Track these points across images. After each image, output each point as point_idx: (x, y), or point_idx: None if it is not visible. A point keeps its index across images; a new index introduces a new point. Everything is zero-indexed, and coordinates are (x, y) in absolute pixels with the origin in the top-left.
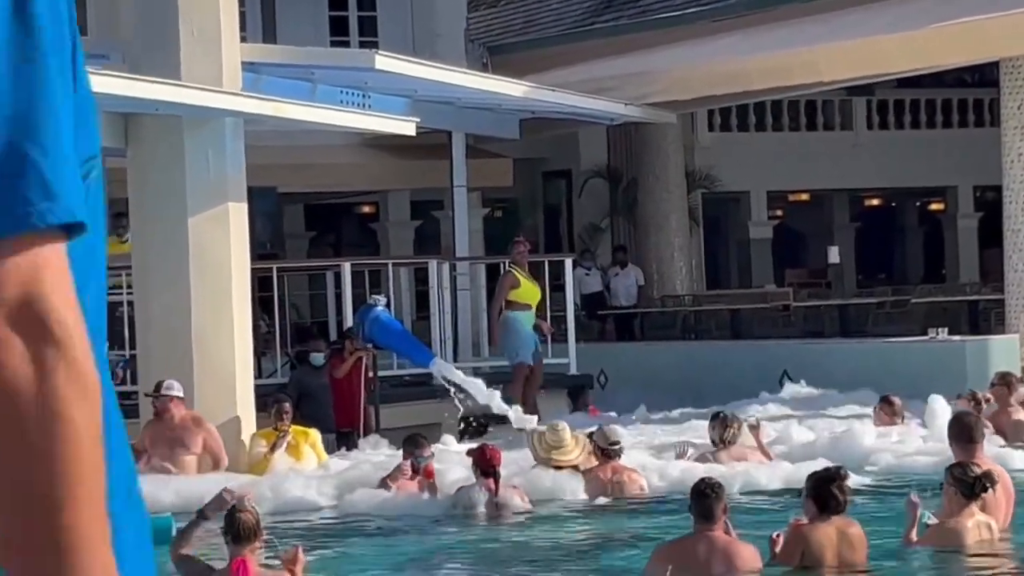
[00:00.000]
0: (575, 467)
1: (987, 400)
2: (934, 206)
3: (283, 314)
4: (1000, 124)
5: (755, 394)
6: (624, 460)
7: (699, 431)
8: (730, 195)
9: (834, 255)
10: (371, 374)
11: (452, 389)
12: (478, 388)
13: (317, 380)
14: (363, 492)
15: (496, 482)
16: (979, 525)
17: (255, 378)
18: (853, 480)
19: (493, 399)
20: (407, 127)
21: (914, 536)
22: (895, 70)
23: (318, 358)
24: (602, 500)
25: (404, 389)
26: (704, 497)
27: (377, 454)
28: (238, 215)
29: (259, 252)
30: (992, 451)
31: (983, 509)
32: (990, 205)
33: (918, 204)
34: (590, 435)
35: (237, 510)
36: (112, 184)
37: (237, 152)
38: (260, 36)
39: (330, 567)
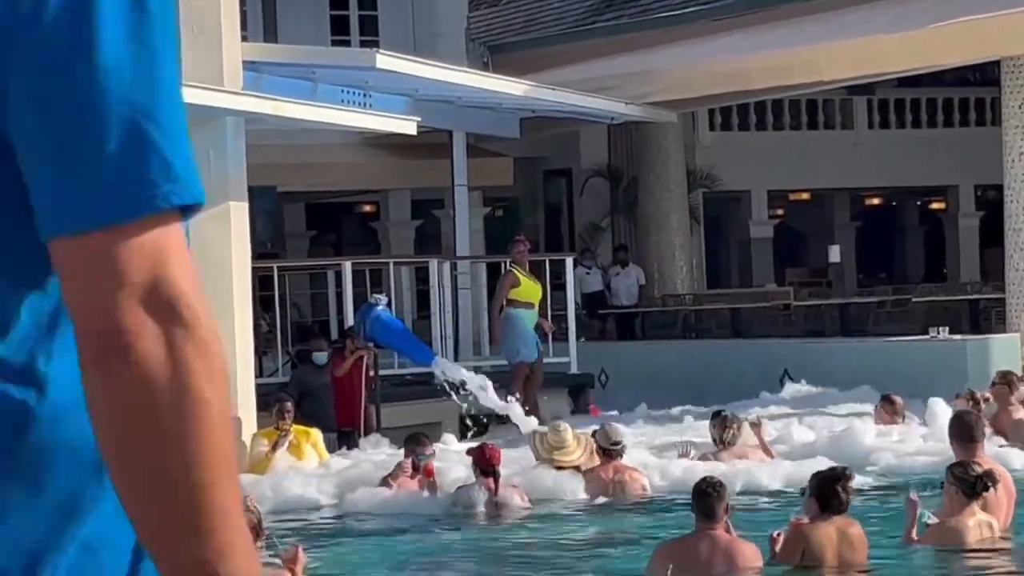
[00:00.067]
0: (577, 468)
1: (985, 399)
2: (935, 205)
3: (284, 313)
4: (1001, 123)
5: (756, 394)
6: (626, 459)
7: (699, 430)
8: (731, 194)
9: (835, 254)
10: (372, 373)
11: (453, 388)
12: (480, 386)
13: (318, 379)
14: (364, 491)
15: (496, 481)
16: (980, 524)
17: (256, 377)
18: (854, 481)
19: (495, 397)
20: (408, 126)
21: (915, 535)
22: (895, 69)
23: (321, 357)
24: (604, 499)
25: (405, 388)
26: (706, 496)
27: (378, 453)
28: (239, 214)
29: (260, 251)
30: (992, 450)
31: (984, 508)
32: (991, 204)
33: (919, 203)
34: (593, 434)
35: None
36: None
37: (238, 151)
38: (261, 35)
39: (330, 566)
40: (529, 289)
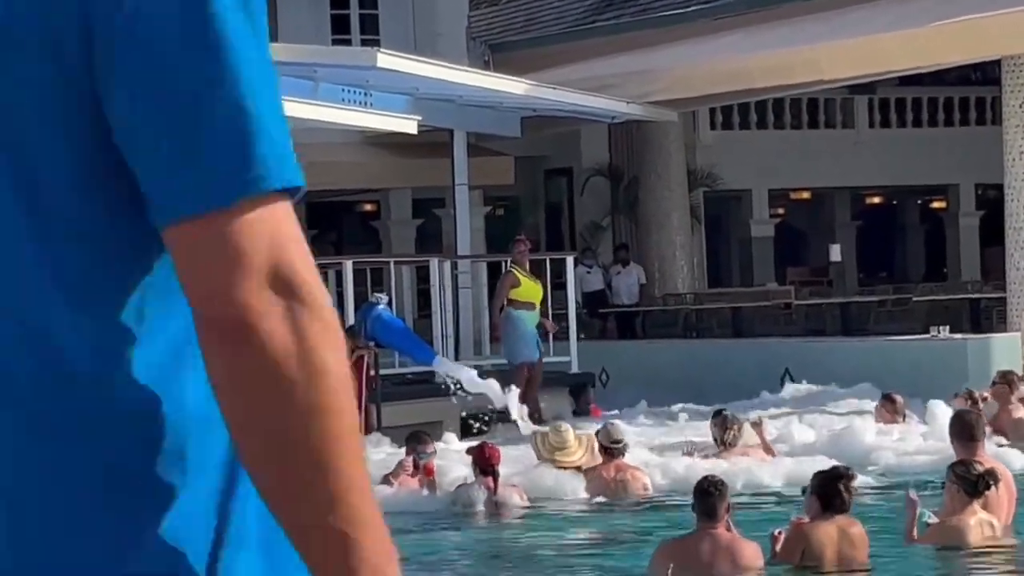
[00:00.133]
0: (578, 468)
1: (983, 399)
2: (936, 204)
3: None
4: (1002, 122)
5: (756, 393)
6: (627, 458)
7: (699, 430)
8: (731, 193)
9: (835, 253)
10: (373, 372)
11: (455, 387)
12: (481, 385)
13: None
14: None
15: (495, 480)
16: (981, 523)
17: None
18: (856, 480)
19: (497, 395)
20: (409, 125)
21: (915, 534)
22: (896, 68)
23: None
24: (605, 498)
25: (406, 387)
26: (707, 495)
27: (379, 452)
28: None
29: None
30: (991, 450)
31: (985, 507)
32: (992, 203)
33: (919, 202)
34: (597, 433)
35: None
36: None
37: None
38: None
39: None
40: (529, 289)
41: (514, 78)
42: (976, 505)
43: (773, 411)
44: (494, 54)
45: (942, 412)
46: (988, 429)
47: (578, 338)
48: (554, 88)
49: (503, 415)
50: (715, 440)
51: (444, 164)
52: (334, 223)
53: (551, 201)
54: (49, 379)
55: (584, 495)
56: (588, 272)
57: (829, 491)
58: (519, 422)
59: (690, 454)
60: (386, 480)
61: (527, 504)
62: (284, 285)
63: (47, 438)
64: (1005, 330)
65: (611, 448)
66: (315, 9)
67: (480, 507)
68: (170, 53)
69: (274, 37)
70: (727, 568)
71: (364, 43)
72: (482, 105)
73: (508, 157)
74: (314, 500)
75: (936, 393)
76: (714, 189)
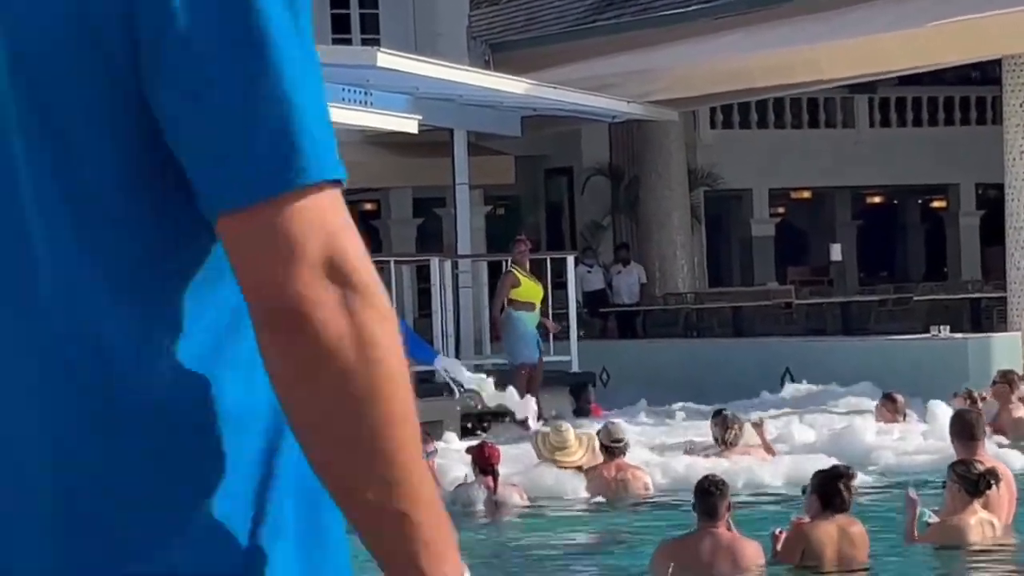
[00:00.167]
0: (579, 467)
1: (983, 398)
2: (936, 204)
3: None
4: (1002, 122)
5: (757, 393)
6: (628, 457)
7: (699, 429)
8: (732, 193)
9: (836, 253)
10: None
11: (456, 386)
12: (484, 384)
13: None
14: None
15: (495, 480)
16: (982, 522)
17: None
18: (856, 479)
19: (497, 394)
20: (409, 124)
21: (916, 534)
22: (896, 68)
23: None
24: (606, 498)
25: None
26: (708, 495)
27: None
28: None
29: None
30: (991, 451)
31: (986, 507)
32: (992, 203)
33: (920, 202)
34: (598, 432)
35: None
36: None
37: None
38: None
39: None
40: (529, 289)
41: (514, 77)
42: (977, 504)
43: (773, 412)
44: (494, 53)
45: (942, 411)
46: (988, 429)
47: (578, 337)
48: (554, 87)
49: (501, 414)
50: (715, 440)
51: (444, 163)
52: None
53: (551, 200)
54: (94, 370)
55: (584, 494)
56: (589, 271)
57: (829, 490)
58: (532, 425)
59: (691, 452)
60: None
61: (527, 503)
62: (336, 273)
63: (91, 430)
64: (1005, 329)
65: (612, 447)
66: (315, 8)
67: (480, 506)
68: (213, 51)
69: None
70: (728, 567)
71: (364, 42)
72: (482, 104)
73: (508, 156)
74: (374, 485)
75: (937, 392)
76: (715, 188)
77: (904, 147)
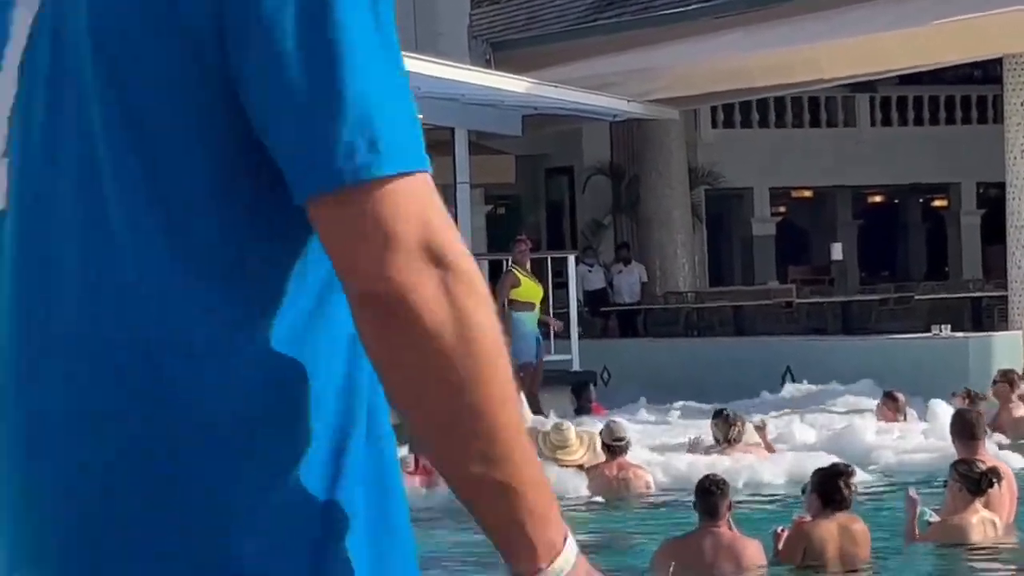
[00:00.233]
0: (580, 466)
1: (982, 398)
2: (937, 203)
3: None
4: (1003, 121)
5: (757, 392)
6: (629, 456)
7: (701, 428)
8: (733, 192)
9: (837, 252)
10: None
11: None
12: None
13: None
14: None
15: None
16: (983, 521)
17: None
18: (856, 477)
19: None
20: None
21: (917, 532)
22: (896, 67)
23: None
24: (607, 497)
25: None
26: (709, 494)
27: None
28: None
29: None
30: (991, 451)
31: (987, 506)
32: (993, 202)
33: (921, 201)
34: (600, 431)
35: None
36: None
37: None
38: None
39: None
40: (529, 289)
41: (515, 76)
42: (978, 503)
43: (773, 413)
44: (495, 52)
45: (943, 411)
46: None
47: (579, 336)
48: (555, 86)
49: None
50: (716, 441)
51: (445, 163)
52: None
53: (552, 200)
54: (186, 375)
55: (586, 493)
56: (589, 271)
57: (829, 488)
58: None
59: (695, 446)
60: None
61: None
62: (433, 257)
63: (182, 433)
64: (1006, 328)
65: (613, 446)
66: None
67: None
68: (297, 39)
69: None
70: (729, 567)
71: None
72: (483, 103)
73: (509, 156)
74: (477, 461)
75: (937, 392)
76: (715, 187)
77: (905, 146)
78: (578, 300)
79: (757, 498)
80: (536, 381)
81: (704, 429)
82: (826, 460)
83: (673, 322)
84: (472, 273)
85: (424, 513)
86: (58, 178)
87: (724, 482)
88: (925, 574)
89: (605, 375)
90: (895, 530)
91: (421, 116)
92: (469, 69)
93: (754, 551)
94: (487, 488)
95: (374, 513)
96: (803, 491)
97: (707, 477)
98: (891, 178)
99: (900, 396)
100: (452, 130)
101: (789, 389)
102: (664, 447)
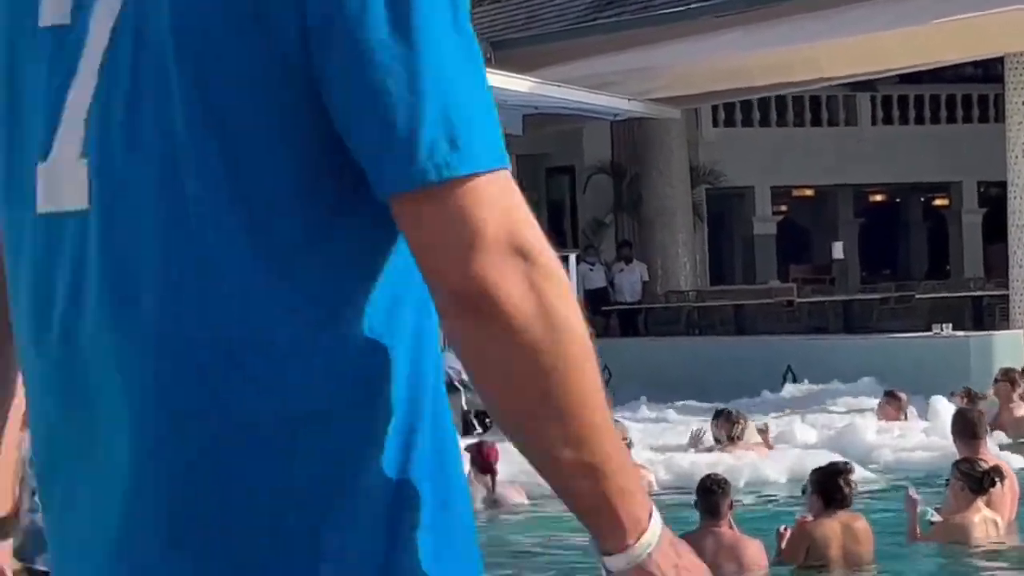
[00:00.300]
0: None
1: (982, 397)
2: (938, 202)
3: None
4: (1004, 119)
5: (758, 391)
6: (631, 454)
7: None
8: (734, 190)
9: (838, 251)
10: None
11: (462, 385)
12: None
13: None
14: None
15: (493, 479)
16: (985, 521)
17: None
18: (856, 475)
19: None
20: None
21: (918, 532)
22: (897, 66)
23: None
24: None
25: None
26: (710, 493)
27: None
28: None
29: None
30: (992, 449)
31: (989, 505)
32: (994, 201)
33: (922, 200)
34: None
35: None
36: None
37: None
38: None
39: None
40: None
41: (516, 76)
42: (980, 502)
43: (774, 413)
44: (495, 51)
45: (944, 409)
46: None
47: None
48: (556, 85)
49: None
50: (717, 441)
51: None
52: None
53: (553, 199)
54: (270, 374)
55: None
56: (591, 270)
57: (829, 487)
58: None
59: (696, 439)
60: None
61: (528, 502)
62: (516, 251)
63: (241, 403)
64: (1007, 327)
65: None
66: None
67: (478, 505)
68: (379, 38)
69: None
70: (730, 566)
71: None
72: None
73: (510, 155)
74: (567, 448)
75: (938, 390)
76: (716, 186)
77: (906, 145)
78: (579, 299)
79: (758, 497)
80: None
81: (705, 425)
82: (826, 457)
83: (674, 321)
84: (557, 268)
85: None
86: (139, 177)
87: (725, 481)
88: (927, 573)
89: (606, 374)
90: (897, 529)
91: None
92: None
93: (755, 551)
94: (579, 471)
95: (438, 503)
96: (803, 492)
97: (708, 476)
98: (892, 177)
99: (901, 395)
100: None
101: (790, 388)
102: (665, 446)
